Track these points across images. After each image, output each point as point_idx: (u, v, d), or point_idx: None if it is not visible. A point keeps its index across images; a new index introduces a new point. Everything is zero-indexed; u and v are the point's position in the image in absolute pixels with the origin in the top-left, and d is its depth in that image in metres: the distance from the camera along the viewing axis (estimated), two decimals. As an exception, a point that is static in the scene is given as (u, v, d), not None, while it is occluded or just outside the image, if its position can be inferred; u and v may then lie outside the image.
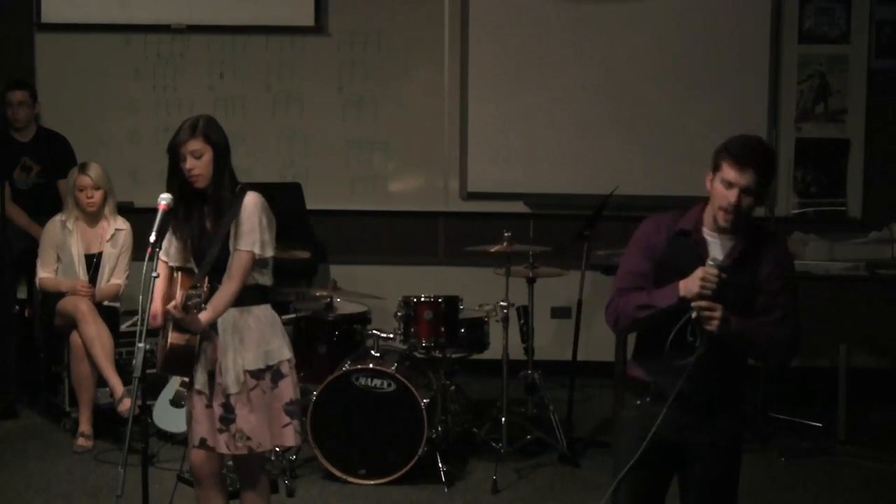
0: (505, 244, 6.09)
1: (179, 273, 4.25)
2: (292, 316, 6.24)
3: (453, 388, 6.34)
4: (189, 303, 4.05)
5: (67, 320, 6.28)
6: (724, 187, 3.54)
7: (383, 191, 7.86)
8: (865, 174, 7.58)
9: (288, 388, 4.32)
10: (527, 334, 6.56)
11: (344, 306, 6.44)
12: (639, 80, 7.58)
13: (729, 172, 3.52)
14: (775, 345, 3.60)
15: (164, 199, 4.09)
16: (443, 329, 6.05)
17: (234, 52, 7.79)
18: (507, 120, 7.69)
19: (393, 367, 5.74)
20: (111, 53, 7.81)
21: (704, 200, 3.68)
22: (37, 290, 6.61)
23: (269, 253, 4.29)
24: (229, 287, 4.18)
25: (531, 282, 6.40)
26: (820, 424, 6.56)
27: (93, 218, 6.41)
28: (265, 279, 4.33)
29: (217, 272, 4.20)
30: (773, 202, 7.54)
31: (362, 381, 5.71)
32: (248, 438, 4.24)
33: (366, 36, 7.74)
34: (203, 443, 4.29)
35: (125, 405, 6.03)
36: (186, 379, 4.35)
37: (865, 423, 6.65)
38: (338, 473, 5.71)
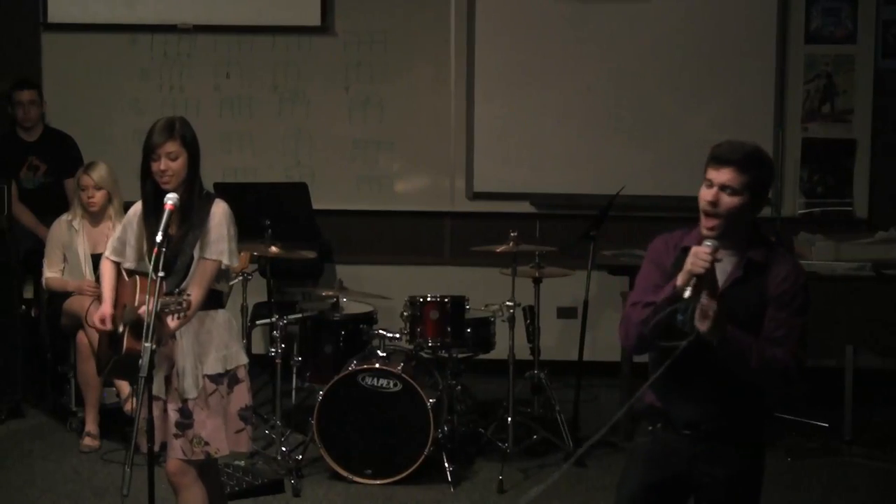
0: (511, 244, 6.08)
1: (137, 276, 4.16)
2: (298, 316, 6.23)
3: (459, 388, 6.33)
4: (166, 310, 3.98)
5: (74, 320, 6.29)
6: (706, 187, 3.44)
7: (389, 191, 7.87)
8: (872, 174, 7.57)
9: (243, 394, 4.32)
10: (533, 334, 6.56)
11: (350, 306, 6.43)
12: (645, 81, 7.57)
13: (709, 172, 3.44)
14: (768, 365, 3.36)
15: (171, 198, 4.07)
16: (449, 329, 6.05)
17: (240, 52, 7.80)
18: (513, 120, 7.69)
19: (399, 367, 5.74)
20: (117, 53, 7.83)
21: None
22: (43, 289, 6.62)
23: (235, 263, 4.29)
24: (195, 295, 4.12)
25: (537, 282, 6.40)
26: (826, 424, 6.55)
27: (96, 217, 6.41)
28: (222, 285, 4.33)
29: (173, 277, 4.15)
30: (780, 203, 7.55)
31: (368, 380, 5.71)
32: (206, 444, 4.22)
33: (372, 36, 7.74)
34: (163, 447, 4.25)
35: (131, 405, 6.04)
36: None
37: (872, 423, 6.65)
38: (344, 473, 5.72)
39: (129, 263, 4.30)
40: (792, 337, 3.41)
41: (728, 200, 3.39)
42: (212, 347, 4.24)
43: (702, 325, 3.29)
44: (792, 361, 3.39)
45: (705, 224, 3.42)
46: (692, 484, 3.55)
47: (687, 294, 3.28)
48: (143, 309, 3.97)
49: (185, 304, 3.97)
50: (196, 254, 4.17)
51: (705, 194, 3.42)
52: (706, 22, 7.55)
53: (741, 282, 3.44)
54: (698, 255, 3.30)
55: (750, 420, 3.53)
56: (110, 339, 4.27)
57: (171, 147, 4.13)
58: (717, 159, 3.43)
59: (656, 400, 3.58)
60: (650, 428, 3.61)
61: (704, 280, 3.29)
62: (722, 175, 3.40)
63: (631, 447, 3.74)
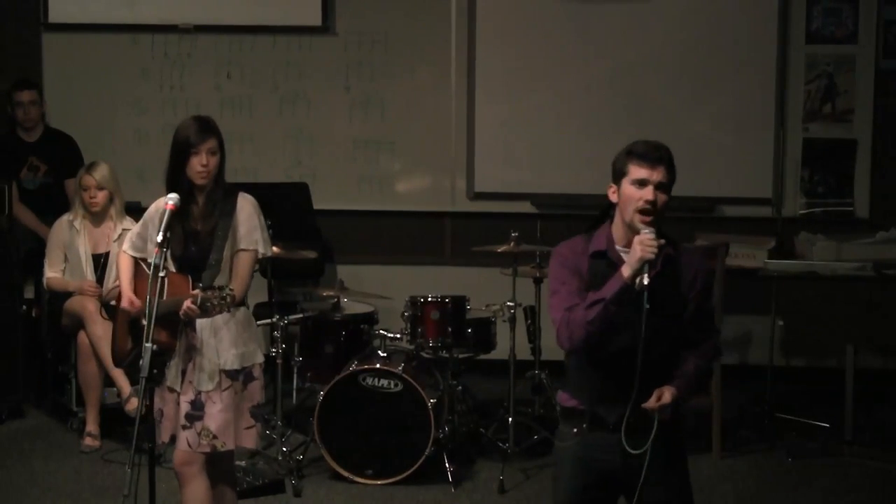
0: (512, 244, 6.09)
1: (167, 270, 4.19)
2: (299, 316, 6.24)
3: (460, 388, 6.34)
4: (207, 304, 4.03)
5: (75, 320, 6.29)
6: (637, 187, 3.53)
7: (390, 191, 7.86)
8: (873, 174, 7.56)
9: (256, 391, 4.37)
10: (534, 334, 6.56)
11: (351, 306, 6.44)
12: (646, 80, 7.57)
13: (640, 171, 3.53)
14: (711, 361, 3.74)
15: (172, 198, 4.10)
16: (450, 329, 6.05)
17: (241, 52, 7.79)
18: (513, 120, 7.68)
19: (400, 367, 5.74)
20: (118, 53, 7.82)
21: (609, 219, 3.69)
22: (44, 289, 6.63)
23: (270, 252, 4.38)
24: (238, 288, 4.19)
25: (538, 282, 6.40)
26: (827, 425, 6.56)
27: (98, 218, 6.41)
28: None
29: (196, 270, 4.21)
30: (781, 203, 7.55)
31: (369, 381, 5.72)
32: (214, 437, 4.25)
33: (373, 36, 7.73)
34: (174, 439, 4.30)
35: (132, 405, 6.04)
36: None
37: (872, 423, 6.64)
38: (345, 473, 5.72)
39: (151, 258, 4.33)
40: (712, 318, 3.75)
41: (662, 198, 3.54)
42: (231, 343, 4.28)
43: (662, 414, 3.51)
44: (716, 341, 3.72)
45: (641, 219, 3.53)
46: (627, 478, 3.58)
47: (646, 281, 3.42)
48: (186, 302, 4.03)
49: (228, 300, 4.03)
50: (228, 247, 4.22)
51: (643, 194, 3.53)
52: (706, 22, 7.54)
53: (660, 275, 3.51)
54: (645, 243, 3.46)
55: (674, 408, 3.62)
56: (130, 330, 4.30)
57: (212, 143, 4.26)
58: (649, 158, 3.55)
59: (578, 402, 3.64)
60: (575, 430, 3.64)
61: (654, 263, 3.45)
62: (657, 174, 3.53)
63: (556, 452, 3.76)
